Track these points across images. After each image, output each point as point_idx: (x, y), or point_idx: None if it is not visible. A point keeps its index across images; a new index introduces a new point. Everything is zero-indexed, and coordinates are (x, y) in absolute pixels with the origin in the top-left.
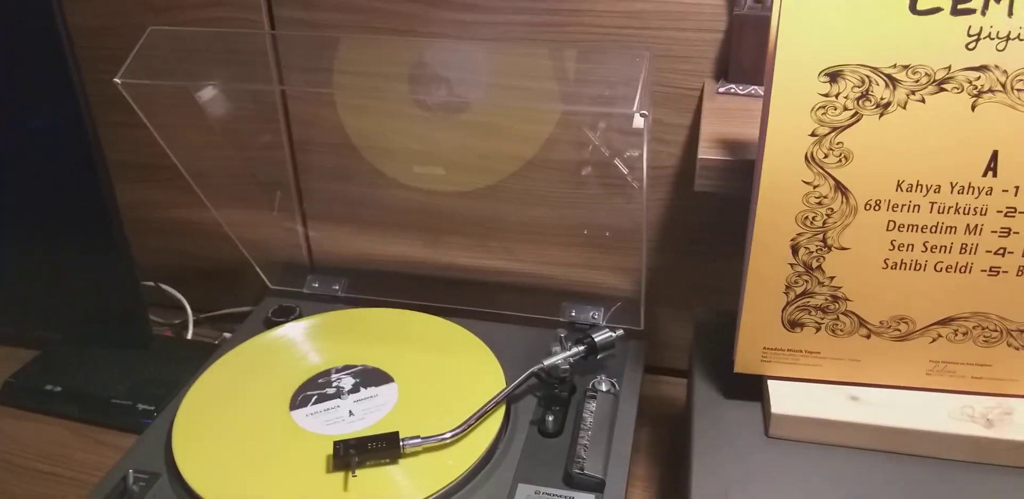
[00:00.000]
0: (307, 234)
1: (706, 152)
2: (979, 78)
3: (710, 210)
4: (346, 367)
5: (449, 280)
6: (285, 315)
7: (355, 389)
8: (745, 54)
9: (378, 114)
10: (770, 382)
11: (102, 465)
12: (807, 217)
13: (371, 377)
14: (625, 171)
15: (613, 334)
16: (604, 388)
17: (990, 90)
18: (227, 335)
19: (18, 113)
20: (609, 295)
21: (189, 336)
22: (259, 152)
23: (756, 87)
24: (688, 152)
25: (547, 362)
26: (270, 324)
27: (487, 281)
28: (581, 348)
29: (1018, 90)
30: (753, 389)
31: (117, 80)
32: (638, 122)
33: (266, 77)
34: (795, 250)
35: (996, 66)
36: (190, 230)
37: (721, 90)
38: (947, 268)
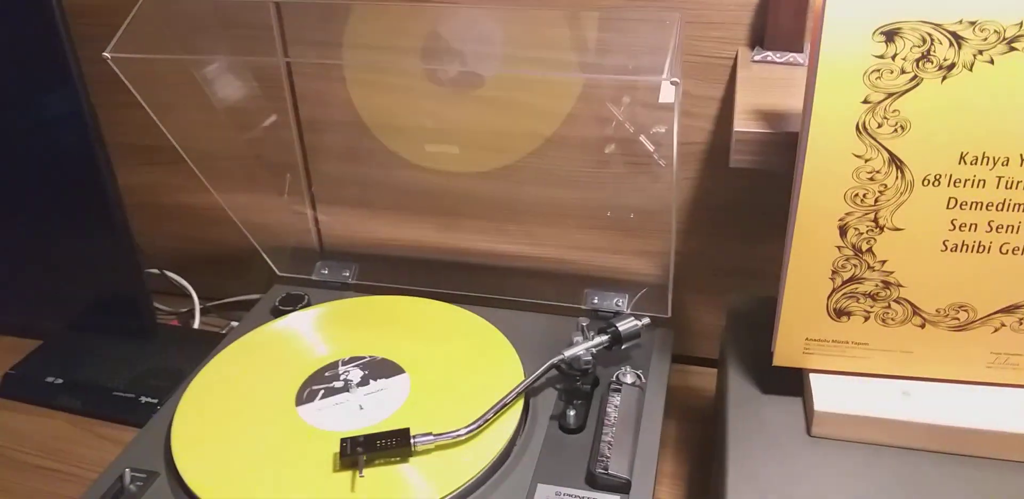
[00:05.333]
0: (316, 218)
1: (742, 124)
2: None
3: (742, 189)
4: (353, 359)
5: (465, 266)
6: (293, 304)
7: (364, 382)
8: (783, 19)
9: (389, 90)
10: (812, 376)
11: (102, 460)
12: (857, 194)
13: (380, 369)
14: (651, 148)
15: (639, 322)
16: (629, 380)
17: None
18: (235, 324)
19: (12, 95)
20: (634, 281)
21: (196, 325)
22: (265, 132)
23: (795, 55)
24: (719, 127)
25: (568, 353)
26: (277, 313)
27: (504, 266)
28: (605, 338)
29: None
30: (792, 383)
31: (106, 55)
32: (666, 95)
33: (270, 51)
34: (843, 231)
35: None
36: (196, 215)
37: (757, 58)
38: (1014, 250)
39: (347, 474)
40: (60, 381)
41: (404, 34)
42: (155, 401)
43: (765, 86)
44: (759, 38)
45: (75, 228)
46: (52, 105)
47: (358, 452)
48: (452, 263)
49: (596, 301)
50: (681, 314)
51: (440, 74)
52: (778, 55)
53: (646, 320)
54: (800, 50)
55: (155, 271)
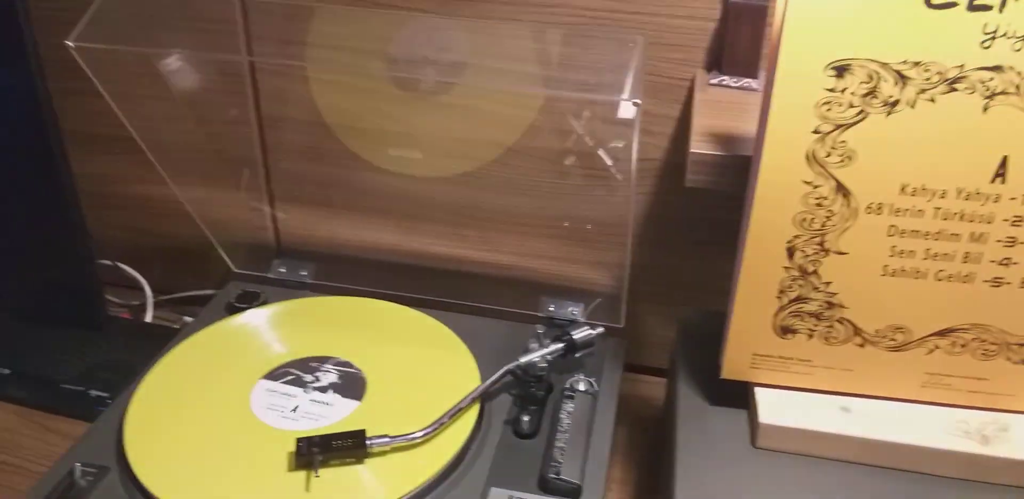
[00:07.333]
0: (274, 215)
1: (699, 146)
2: (992, 79)
3: (695, 206)
4: (310, 359)
5: (423, 269)
6: (249, 301)
7: (320, 382)
8: (740, 45)
9: (353, 92)
10: (757, 390)
11: (50, 453)
12: (805, 219)
13: (336, 370)
14: (609, 162)
15: (593, 332)
16: (582, 388)
17: (1003, 92)
18: (188, 319)
19: None
20: (589, 290)
21: (148, 319)
22: (225, 127)
23: (749, 80)
24: (675, 145)
25: (524, 359)
26: (233, 310)
27: (462, 271)
28: (560, 346)
29: None
30: (739, 395)
31: (69, 43)
32: (626, 112)
33: (234, 47)
34: (791, 253)
35: (1011, 67)
36: (152, 207)
37: (713, 82)
38: (949, 277)
39: (301, 474)
40: (7, 371)
41: (370, 38)
42: (105, 395)
43: (720, 109)
44: (716, 62)
45: (26, 214)
46: (6, 86)
47: (314, 452)
48: (410, 266)
49: (552, 309)
50: (632, 324)
51: (404, 79)
52: (733, 80)
53: (600, 329)
54: (755, 76)
55: (107, 262)
